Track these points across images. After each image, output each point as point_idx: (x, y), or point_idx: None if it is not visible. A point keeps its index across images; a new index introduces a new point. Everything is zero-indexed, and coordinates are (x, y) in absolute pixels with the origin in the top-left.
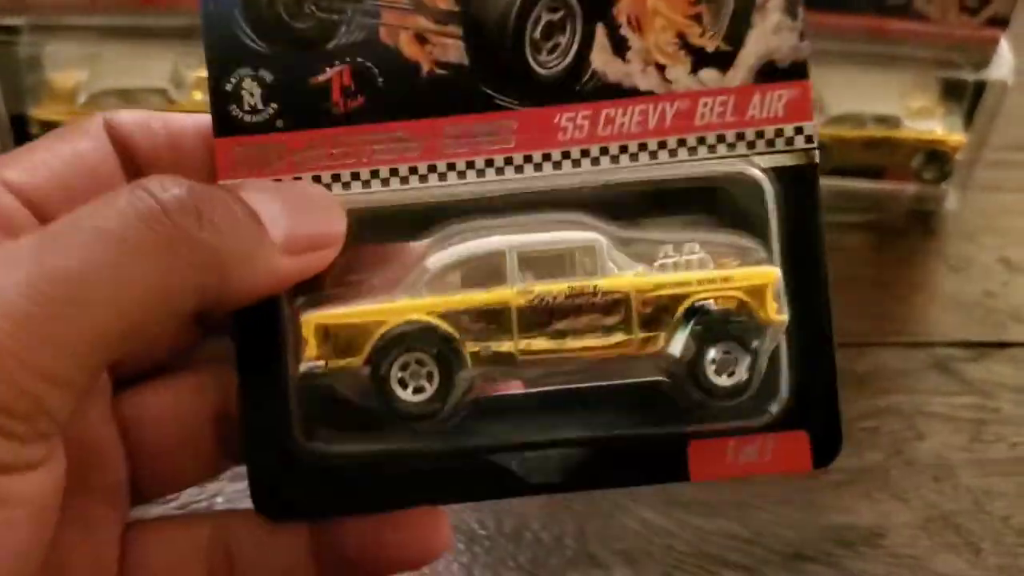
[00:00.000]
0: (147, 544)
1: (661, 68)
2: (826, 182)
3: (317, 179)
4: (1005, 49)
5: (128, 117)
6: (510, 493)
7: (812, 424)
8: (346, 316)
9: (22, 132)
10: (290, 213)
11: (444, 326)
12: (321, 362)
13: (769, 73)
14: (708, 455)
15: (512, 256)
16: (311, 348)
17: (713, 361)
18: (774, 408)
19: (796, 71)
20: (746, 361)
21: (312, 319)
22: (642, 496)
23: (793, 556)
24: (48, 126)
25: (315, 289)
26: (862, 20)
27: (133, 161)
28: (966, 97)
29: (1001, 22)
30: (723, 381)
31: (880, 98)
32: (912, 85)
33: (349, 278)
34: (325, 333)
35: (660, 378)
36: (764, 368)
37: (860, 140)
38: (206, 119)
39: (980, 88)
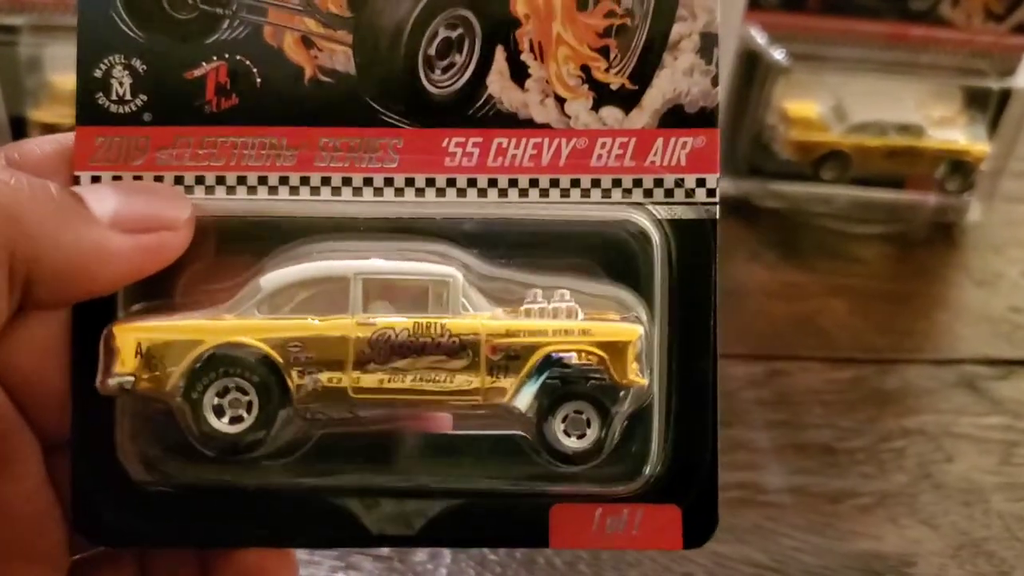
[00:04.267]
0: None
1: (561, 101)
2: (846, 192)
3: (179, 180)
4: None
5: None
6: (354, 542)
7: (685, 498)
8: (162, 330)
9: (22, 135)
10: (120, 195)
11: (270, 352)
12: (130, 378)
13: (675, 118)
14: (571, 522)
15: (356, 283)
16: (122, 361)
17: (563, 420)
18: (644, 477)
19: (704, 118)
20: (597, 424)
21: (124, 329)
22: None
23: None
24: (48, 129)
25: (162, 296)
26: (884, 26)
27: None
28: (991, 106)
29: None
30: (572, 443)
31: (902, 106)
32: (935, 93)
33: (201, 289)
34: (138, 346)
35: (523, 433)
36: (617, 434)
37: (882, 149)
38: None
39: (1005, 97)
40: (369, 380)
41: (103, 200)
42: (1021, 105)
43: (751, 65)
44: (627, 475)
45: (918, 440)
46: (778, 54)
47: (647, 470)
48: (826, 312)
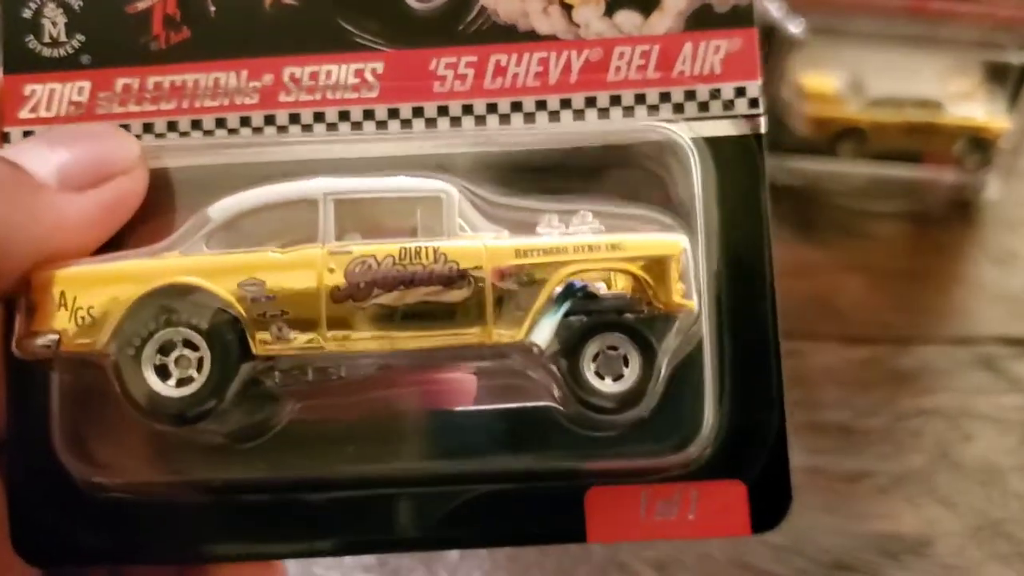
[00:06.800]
0: None
1: (567, 8)
2: (862, 168)
3: (125, 128)
4: None
5: None
6: (354, 549)
7: (750, 471)
8: (90, 275)
9: None
10: (58, 149)
11: (222, 294)
12: (55, 335)
13: (704, 19)
14: (611, 508)
15: (327, 205)
16: (43, 316)
17: (594, 358)
18: (696, 446)
19: (739, 16)
20: (638, 360)
21: (44, 276)
22: None
23: (833, 566)
24: None
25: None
26: None
27: None
28: (1011, 80)
29: None
30: (606, 386)
31: (921, 81)
32: (954, 67)
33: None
34: (62, 295)
35: (552, 404)
36: (663, 370)
37: (900, 125)
38: None
39: None
40: (347, 322)
41: (42, 160)
42: None
43: (766, 38)
44: (675, 445)
45: (935, 420)
46: (794, 26)
47: (698, 438)
48: (842, 290)
